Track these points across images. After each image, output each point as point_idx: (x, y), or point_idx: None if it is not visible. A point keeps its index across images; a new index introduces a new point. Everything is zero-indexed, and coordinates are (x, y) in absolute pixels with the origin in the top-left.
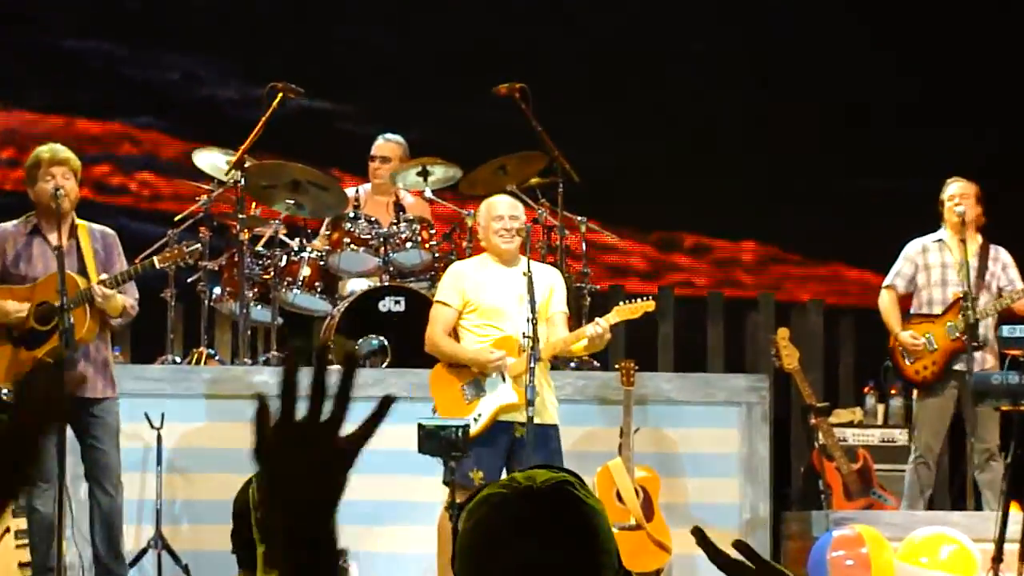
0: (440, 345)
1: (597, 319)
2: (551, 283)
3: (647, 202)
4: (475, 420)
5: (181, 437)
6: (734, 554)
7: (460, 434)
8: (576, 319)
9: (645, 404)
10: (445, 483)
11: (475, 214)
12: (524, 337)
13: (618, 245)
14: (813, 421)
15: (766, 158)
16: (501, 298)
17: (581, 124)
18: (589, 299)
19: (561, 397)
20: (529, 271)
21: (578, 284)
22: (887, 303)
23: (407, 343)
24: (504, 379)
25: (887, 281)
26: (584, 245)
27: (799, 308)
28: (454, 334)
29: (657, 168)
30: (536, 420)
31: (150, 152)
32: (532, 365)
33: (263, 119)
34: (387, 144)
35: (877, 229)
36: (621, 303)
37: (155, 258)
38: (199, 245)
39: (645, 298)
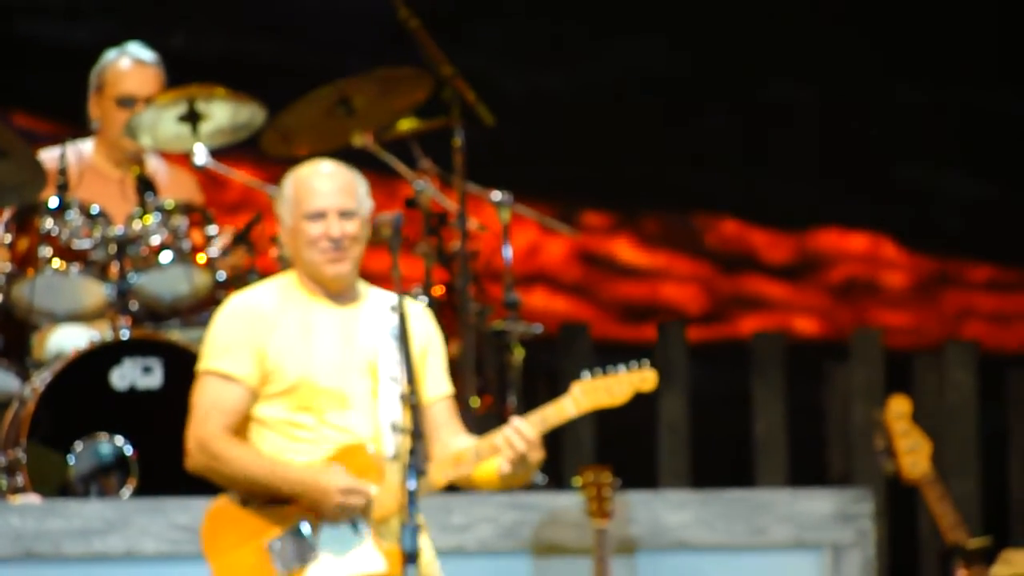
0: (224, 454)
1: (515, 421)
2: (420, 339)
3: (647, 161)
4: None
5: None
6: None
7: None
8: (497, 401)
9: (638, 552)
10: None
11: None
12: (393, 430)
13: (591, 246)
14: (962, 575)
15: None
16: (335, 368)
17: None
18: (522, 352)
19: (470, 545)
20: (402, 306)
21: (494, 328)
22: None
23: (170, 446)
24: (357, 528)
25: None
26: (507, 246)
27: (927, 359)
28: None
29: (671, 90)
30: None
31: None
32: (412, 488)
33: None
34: (136, 70)
35: None
36: (588, 374)
37: None
38: None
39: (637, 364)
